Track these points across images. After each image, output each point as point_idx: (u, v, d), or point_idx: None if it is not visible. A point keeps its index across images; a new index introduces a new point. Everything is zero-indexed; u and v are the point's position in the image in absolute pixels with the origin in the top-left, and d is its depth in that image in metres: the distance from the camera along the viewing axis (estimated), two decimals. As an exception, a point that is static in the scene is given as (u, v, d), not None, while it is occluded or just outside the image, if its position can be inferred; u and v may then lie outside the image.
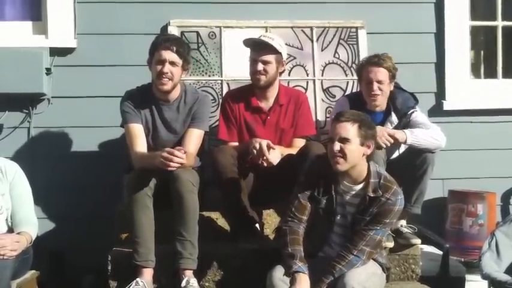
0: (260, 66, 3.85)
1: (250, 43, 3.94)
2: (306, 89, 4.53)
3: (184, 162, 3.44)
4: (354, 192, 3.24)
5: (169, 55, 3.64)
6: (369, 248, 3.19)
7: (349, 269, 3.14)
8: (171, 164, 3.40)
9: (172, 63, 3.64)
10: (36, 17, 4.55)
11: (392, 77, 3.89)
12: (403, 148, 3.87)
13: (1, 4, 4.58)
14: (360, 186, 3.23)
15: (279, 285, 3.12)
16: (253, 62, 3.88)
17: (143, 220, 3.49)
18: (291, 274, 3.10)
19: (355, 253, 3.16)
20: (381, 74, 3.84)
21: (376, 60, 3.87)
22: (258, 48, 3.87)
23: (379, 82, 3.85)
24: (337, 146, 3.14)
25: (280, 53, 3.90)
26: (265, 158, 3.63)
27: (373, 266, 3.28)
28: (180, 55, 3.66)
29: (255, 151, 3.65)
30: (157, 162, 3.42)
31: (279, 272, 3.17)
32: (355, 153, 3.15)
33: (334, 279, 3.14)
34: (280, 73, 3.99)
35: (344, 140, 3.13)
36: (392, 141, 3.65)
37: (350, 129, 3.14)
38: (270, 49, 3.86)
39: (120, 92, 3.84)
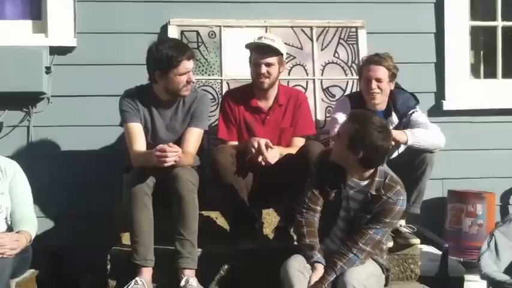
0: (264, 69, 3.85)
1: (252, 46, 3.94)
2: (305, 89, 4.53)
3: (179, 155, 3.45)
4: (359, 188, 3.26)
5: (191, 64, 3.62)
6: (368, 247, 3.20)
7: (349, 267, 3.17)
8: (167, 159, 3.41)
9: (192, 70, 3.65)
10: (36, 15, 4.55)
11: (392, 76, 3.89)
12: (402, 148, 3.87)
13: (1, 3, 4.59)
14: (365, 183, 3.25)
15: (296, 275, 3.12)
16: (257, 65, 3.87)
17: (142, 219, 3.48)
18: (310, 264, 3.17)
19: (354, 251, 3.18)
20: (380, 72, 3.86)
21: (376, 58, 3.89)
22: (261, 51, 3.87)
23: (377, 80, 3.86)
24: None
25: (281, 54, 3.91)
26: (263, 156, 3.63)
27: (373, 266, 3.29)
28: (194, 59, 3.68)
29: (253, 149, 3.66)
30: (155, 160, 3.43)
31: (295, 263, 3.17)
32: (337, 152, 3.24)
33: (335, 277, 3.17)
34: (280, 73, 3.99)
35: None
36: (392, 142, 3.65)
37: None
38: (273, 51, 3.87)
39: (120, 91, 3.83)
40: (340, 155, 3.23)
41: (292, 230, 3.56)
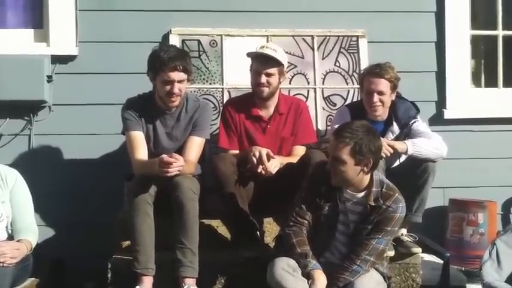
0: (263, 79, 3.86)
1: (253, 55, 3.94)
2: (306, 98, 4.53)
3: (182, 164, 3.45)
4: (356, 200, 3.24)
5: (177, 75, 3.60)
6: (372, 257, 3.19)
7: (354, 277, 3.16)
8: (170, 170, 3.41)
9: (180, 81, 3.63)
10: (38, 24, 4.56)
11: (393, 87, 3.88)
12: (403, 157, 3.87)
13: (3, 11, 4.60)
14: (362, 194, 3.23)
15: (284, 275, 3.11)
16: (257, 74, 3.88)
17: (143, 227, 3.48)
18: (307, 273, 3.13)
19: (358, 263, 3.17)
20: (382, 85, 3.84)
21: (377, 70, 3.86)
22: (262, 60, 3.88)
23: (379, 93, 3.84)
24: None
25: (282, 65, 3.92)
26: (264, 166, 3.63)
27: (377, 275, 3.29)
28: (186, 71, 3.63)
29: (254, 159, 3.65)
30: (157, 169, 3.43)
31: (281, 263, 3.16)
32: (349, 174, 3.15)
33: None
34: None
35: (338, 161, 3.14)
36: (392, 151, 3.65)
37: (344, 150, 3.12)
38: (274, 61, 3.87)
39: (121, 99, 3.84)
40: (351, 176, 3.17)
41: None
